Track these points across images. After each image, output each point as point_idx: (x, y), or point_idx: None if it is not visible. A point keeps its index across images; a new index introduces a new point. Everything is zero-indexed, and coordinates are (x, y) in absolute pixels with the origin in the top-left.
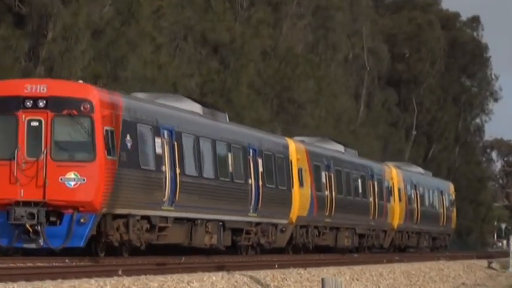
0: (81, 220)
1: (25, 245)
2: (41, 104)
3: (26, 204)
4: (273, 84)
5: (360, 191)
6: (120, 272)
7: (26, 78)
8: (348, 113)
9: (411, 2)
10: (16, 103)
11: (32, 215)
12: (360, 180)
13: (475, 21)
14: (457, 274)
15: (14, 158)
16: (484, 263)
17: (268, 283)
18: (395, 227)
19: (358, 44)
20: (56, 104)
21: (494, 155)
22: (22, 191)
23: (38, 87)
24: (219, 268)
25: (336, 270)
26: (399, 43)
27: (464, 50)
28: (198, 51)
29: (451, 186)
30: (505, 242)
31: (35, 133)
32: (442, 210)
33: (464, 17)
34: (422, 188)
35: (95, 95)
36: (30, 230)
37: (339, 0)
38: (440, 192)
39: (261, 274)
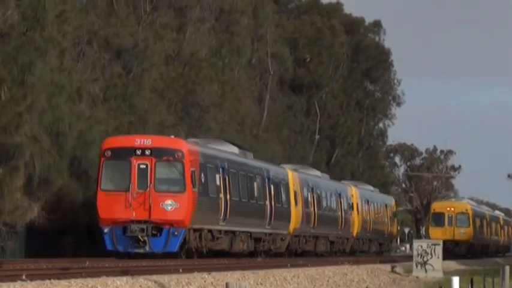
0: (175, 233)
1: (136, 250)
2: (147, 152)
3: (137, 222)
4: (176, 88)
5: (333, 206)
6: (24, 277)
7: (136, 135)
8: (251, 117)
9: (316, 6)
10: (130, 152)
11: (142, 230)
12: (332, 199)
13: (376, 25)
14: (361, 278)
15: (128, 190)
16: (387, 267)
17: (173, 287)
18: (355, 235)
19: (261, 48)
20: (157, 153)
21: (397, 159)
22: (134, 213)
23: (144, 140)
24: (124, 272)
25: (240, 274)
26: (301, 48)
27: (367, 54)
28: (102, 55)
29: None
30: (408, 246)
31: (143, 173)
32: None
33: (367, 22)
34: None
35: (184, 146)
36: (141, 239)
37: (243, 4)
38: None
39: (165, 278)
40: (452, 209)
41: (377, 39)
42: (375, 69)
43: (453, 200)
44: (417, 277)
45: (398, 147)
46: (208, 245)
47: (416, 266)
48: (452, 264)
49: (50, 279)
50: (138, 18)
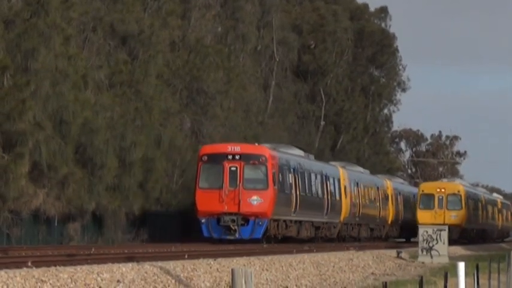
0: (260, 223)
1: (228, 237)
2: (237, 157)
3: (229, 214)
4: (181, 75)
5: (373, 198)
6: (29, 263)
7: (228, 143)
8: (256, 104)
9: None
10: (223, 157)
11: (232, 220)
12: (372, 192)
13: (383, 11)
14: (367, 264)
15: (222, 188)
16: (393, 253)
17: (178, 274)
18: (389, 222)
19: (267, 35)
20: (245, 158)
21: (402, 145)
22: (226, 206)
23: (235, 148)
24: (129, 259)
25: (245, 260)
26: (305, 34)
27: (372, 40)
28: (107, 42)
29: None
30: None
31: (233, 174)
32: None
33: (372, 7)
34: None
35: (267, 152)
36: (232, 228)
37: None
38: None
39: (170, 265)
40: (443, 189)
41: (383, 25)
42: (379, 55)
43: (444, 180)
44: (423, 262)
45: (404, 133)
46: (283, 232)
47: (422, 252)
48: (458, 250)
49: (55, 266)
50: (144, 5)
